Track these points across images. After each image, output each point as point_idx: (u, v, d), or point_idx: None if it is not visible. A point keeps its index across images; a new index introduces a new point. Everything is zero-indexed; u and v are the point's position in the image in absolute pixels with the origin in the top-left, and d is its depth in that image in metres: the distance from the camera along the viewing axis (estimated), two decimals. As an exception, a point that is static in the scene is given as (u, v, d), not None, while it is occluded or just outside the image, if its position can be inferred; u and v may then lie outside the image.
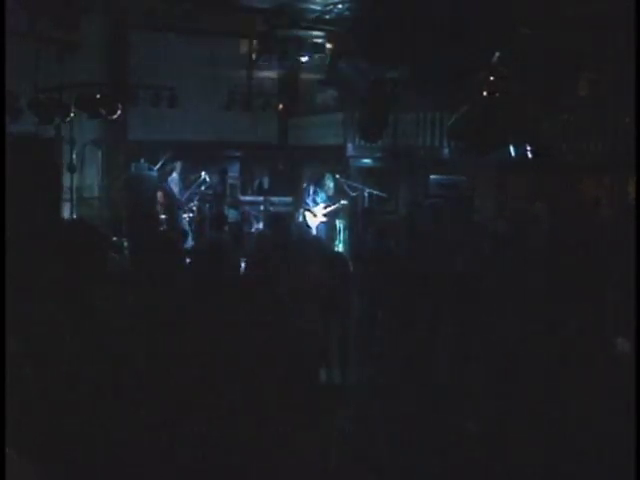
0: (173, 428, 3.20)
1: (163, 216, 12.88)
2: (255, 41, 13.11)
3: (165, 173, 13.24)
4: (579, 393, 6.64)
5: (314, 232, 12.83)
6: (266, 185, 14.20)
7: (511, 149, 11.25)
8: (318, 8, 11.73)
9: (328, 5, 11.56)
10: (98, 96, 11.64)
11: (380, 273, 8.00)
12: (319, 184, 13.46)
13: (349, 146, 14.18)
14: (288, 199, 14.43)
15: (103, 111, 11.70)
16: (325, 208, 12.96)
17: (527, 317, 7.95)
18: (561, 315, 8.13)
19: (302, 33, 12.61)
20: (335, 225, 14.49)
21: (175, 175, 12.86)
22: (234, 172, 15.81)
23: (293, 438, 3.30)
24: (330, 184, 13.19)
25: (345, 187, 13.10)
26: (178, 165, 13.01)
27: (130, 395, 3.37)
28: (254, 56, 13.29)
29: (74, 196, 12.09)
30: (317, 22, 12.25)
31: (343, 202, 13.04)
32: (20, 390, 2.91)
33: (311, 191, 13.19)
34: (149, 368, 3.59)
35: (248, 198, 14.19)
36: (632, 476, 3.61)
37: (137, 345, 3.91)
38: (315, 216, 12.97)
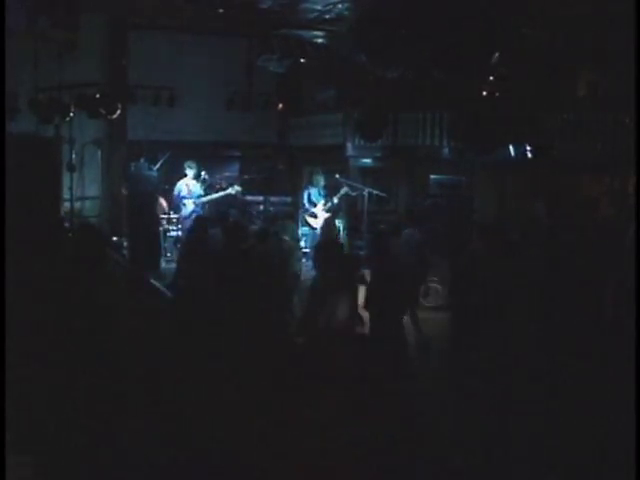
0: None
1: (164, 216, 12.90)
2: (255, 41, 13.10)
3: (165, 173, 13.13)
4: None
5: (318, 233, 12.81)
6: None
7: (511, 149, 11.27)
8: (318, 8, 11.74)
9: (328, 5, 11.56)
10: (98, 96, 11.64)
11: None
12: (311, 184, 13.48)
13: (349, 146, 14.17)
14: (287, 199, 14.45)
15: (103, 111, 11.69)
16: (325, 205, 12.96)
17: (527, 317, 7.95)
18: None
19: (302, 33, 12.62)
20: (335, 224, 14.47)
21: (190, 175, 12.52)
22: (234, 172, 15.81)
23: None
24: (320, 180, 13.21)
25: (345, 186, 13.07)
26: (193, 165, 12.62)
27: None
28: (254, 56, 13.28)
29: (74, 195, 12.07)
30: (317, 22, 12.25)
31: (343, 190, 12.96)
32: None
33: (306, 193, 13.24)
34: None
35: (249, 198, 14.17)
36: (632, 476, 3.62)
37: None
38: (317, 217, 12.97)
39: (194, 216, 11.23)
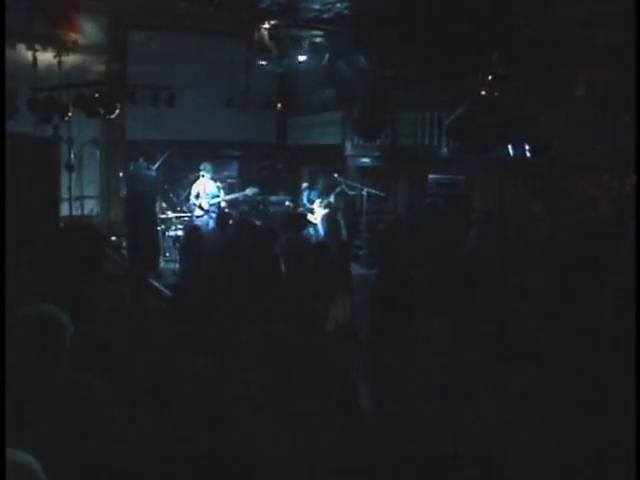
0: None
1: (162, 215, 12.89)
2: (255, 41, 13.10)
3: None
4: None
5: (319, 228, 12.86)
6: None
7: (509, 148, 11.27)
8: (317, 7, 11.75)
9: (327, 5, 11.58)
10: (97, 95, 11.61)
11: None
12: (312, 183, 13.58)
13: (347, 145, 14.18)
14: (287, 198, 14.46)
15: (102, 110, 11.67)
16: (322, 202, 13.03)
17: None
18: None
19: (301, 33, 12.63)
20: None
21: (206, 176, 12.66)
22: (233, 171, 15.83)
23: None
24: (318, 179, 13.36)
25: (343, 186, 13.10)
26: (209, 167, 12.83)
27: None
28: (254, 56, 13.28)
29: (72, 195, 12.05)
30: (316, 21, 12.27)
31: (339, 188, 13.03)
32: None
33: (305, 192, 13.34)
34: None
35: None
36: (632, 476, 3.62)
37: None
38: (314, 213, 13.03)
39: (221, 213, 11.36)
